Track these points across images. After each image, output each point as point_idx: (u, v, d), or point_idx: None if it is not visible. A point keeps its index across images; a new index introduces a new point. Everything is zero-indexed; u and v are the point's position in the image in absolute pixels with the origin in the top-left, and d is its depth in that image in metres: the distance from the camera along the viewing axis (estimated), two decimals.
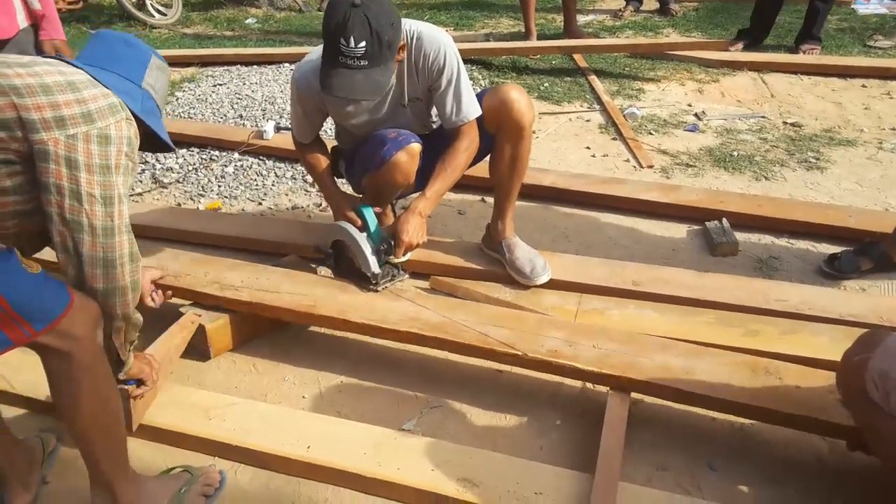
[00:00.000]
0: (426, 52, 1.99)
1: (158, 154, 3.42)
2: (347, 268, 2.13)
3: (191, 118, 3.94)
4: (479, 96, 2.13)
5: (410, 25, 1.99)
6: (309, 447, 1.67)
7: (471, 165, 2.24)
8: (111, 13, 6.70)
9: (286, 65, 4.63)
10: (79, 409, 1.35)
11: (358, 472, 1.61)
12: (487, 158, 2.23)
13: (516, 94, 2.05)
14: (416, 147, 2.07)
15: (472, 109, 2.06)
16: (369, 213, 2.12)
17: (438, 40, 1.99)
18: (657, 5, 5.83)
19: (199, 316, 2.05)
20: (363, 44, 1.75)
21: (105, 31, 1.62)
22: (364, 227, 2.11)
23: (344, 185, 2.36)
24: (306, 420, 1.77)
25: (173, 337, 1.98)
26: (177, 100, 4.19)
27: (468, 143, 2.07)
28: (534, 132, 2.67)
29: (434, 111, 2.16)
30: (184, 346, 2.02)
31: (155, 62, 1.59)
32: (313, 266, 2.29)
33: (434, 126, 2.22)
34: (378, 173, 2.09)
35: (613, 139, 3.48)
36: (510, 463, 1.63)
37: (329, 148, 2.32)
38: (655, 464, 1.69)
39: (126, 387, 1.63)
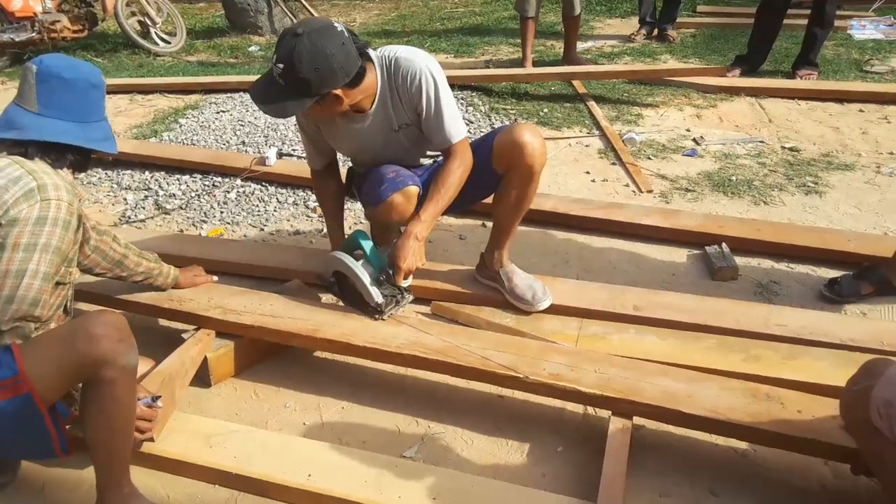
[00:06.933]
0: (403, 74, 1.98)
1: (161, 181, 3.46)
2: (351, 296, 2.14)
3: (194, 145, 3.98)
4: (493, 134, 2.11)
5: (388, 51, 2.01)
6: (310, 475, 1.66)
7: (476, 202, 2.26)
8: (116, 41, 6.78)
9: None
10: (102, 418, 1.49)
11: (359, 501, 1.60)
12: None
13: (530, 137, 2.01)
14: (413, 189, 2.06)
15: (458, 128, 2.04)
16: (365, 241, 2.11)
17: (414, 62, 1.98)
18: (655, 31, 5.91)
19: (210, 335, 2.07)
20: (281, 65, 1.84)
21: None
22: (361, 255, 2.11)
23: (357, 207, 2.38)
24: (307, 448, 1.77)
25: (188, 349, 2.00)
26: (180, 126, 4.24)
27: (459, 162, 2.04)
28: None
29: None
30: (200, 358, 2.02)
31: (32, 75, 1.57)
32: (317, 292, 2.29)
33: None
34: (375, 210, 2.11)
35: (613, 164, 3.51)
36: (512, 491, 1.62)
37: (342, 175, 2.35)
38: (658, 490, 1.68)
39: (148, 406, 1.69)
